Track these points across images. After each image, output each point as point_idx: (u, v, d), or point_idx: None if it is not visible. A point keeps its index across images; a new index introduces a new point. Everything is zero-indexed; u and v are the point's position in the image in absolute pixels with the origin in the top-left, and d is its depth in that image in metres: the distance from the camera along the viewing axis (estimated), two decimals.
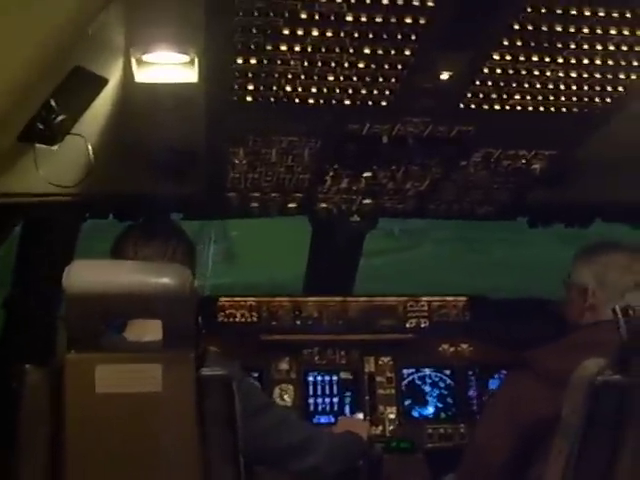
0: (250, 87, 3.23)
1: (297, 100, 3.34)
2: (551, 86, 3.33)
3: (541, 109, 3.51)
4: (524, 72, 3.21)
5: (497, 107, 3.48)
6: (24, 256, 4.49)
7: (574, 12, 2.85)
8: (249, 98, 3.31)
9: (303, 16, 2.79)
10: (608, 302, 3.81)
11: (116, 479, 3.08)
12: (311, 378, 5.22)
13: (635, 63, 3.19)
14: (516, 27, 2.89)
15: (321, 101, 3.35)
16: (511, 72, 3.21)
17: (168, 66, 3.07)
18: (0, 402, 3.22)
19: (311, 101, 3.35)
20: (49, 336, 4.08)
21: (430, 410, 5.27)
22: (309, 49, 2.97)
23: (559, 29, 2.91)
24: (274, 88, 3.25)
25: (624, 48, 3.07)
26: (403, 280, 18.51)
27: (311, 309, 5.25)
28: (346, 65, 3.08)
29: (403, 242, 32.75)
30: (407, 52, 3.01)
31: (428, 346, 5.33)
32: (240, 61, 3.04)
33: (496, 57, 3.09)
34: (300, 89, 3.26)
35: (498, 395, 4.07)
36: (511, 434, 3.66)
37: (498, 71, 3.19)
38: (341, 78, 3.18)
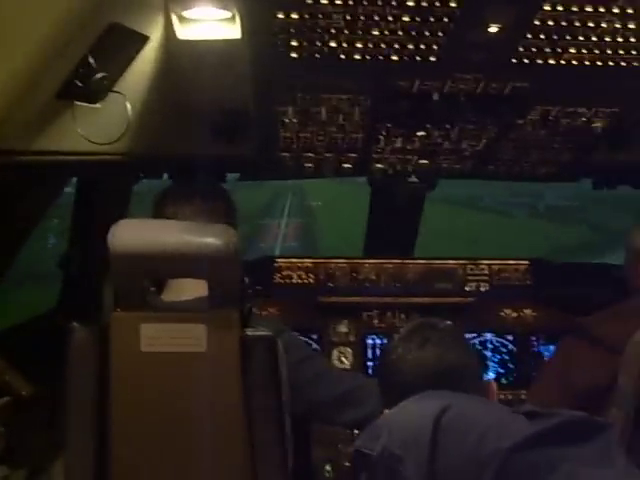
0: (294, 43, 3.18)
1: (342, 56, 3.26)
2: (608, 38, 3.18)
3: (599, 63, 3.36)
4: (578, 24, 3.07)
5: (552, 62, 3.34)
6: (78, 216, 4.54)
7: None
8: (294, 54, 3.25)
9: None
10: None
11: (159, 437, 3.11)
12: (370, 341, 5.16)
13: None
14: None
15: (367, 57, 3.27)
16: (564, 24, 3.07)
17: (210, 22, 3.04)
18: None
19: (357, 57, 3.27)
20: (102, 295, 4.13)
21: (491, 375, 5.14)
22: (350, 2, 2.90)
23: None
24: (318, 43, 3.18)
25: None
26: None
27: (368, 271, 5.20)
28: (390, 19, 3.00)
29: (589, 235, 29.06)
30: (452, 4, 2.91)
31: (490, 311, 5.21)
32: (281, 16, 2.98)
33: (547, 8, 2.96)
34: (345, 44, 3.19)
35: (552, 361, 3.96)
36: (564, 401, 3.56)
37: (550, 23, 3.06)
38: (386, 32, 3.10)
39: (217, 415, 3.10)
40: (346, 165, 4.54)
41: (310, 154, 4.38)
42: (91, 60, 2.68)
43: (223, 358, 3.07)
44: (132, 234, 3.03)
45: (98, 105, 2.87)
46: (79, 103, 2.79)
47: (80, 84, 2.69)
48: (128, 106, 2.93)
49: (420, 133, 4.07)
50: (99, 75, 2.73)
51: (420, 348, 2.79)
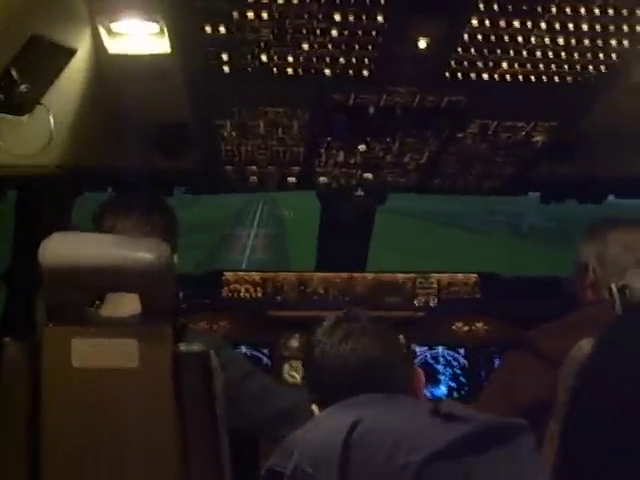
0: (225, 57, 3.17)
1: (275, 70, 3.26)
2: (539, 54, 3.20)
3: (532, 78, 3.38)
4: (507, 39, 3.08)
5: (485, 76, 3.36)
6: (20, 230, 4.50)
7: None
8: (226, 68, 3.24)
9: None
10: (609, 280, 3.69)
11: (91, 453, 3.08)
12: None
13: (626, 29, 3.06)
14: None
15: (300, 70, 3.27)
16: (493, 39, 3.08)
17: (139, 36, 3.03)
18: None
19: (289, 71, 3.26)
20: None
21: (442, 390, 5.15)
22: (277, 16, 2.89)
23: None
24: (249, 57, 3.18)
25: (610, 12, 2.94)
26: None
27: (317, 285, 5.18)
28: (318, 32, 3.00)
29: None
30: (379, 18, 2.91)
31: (441, 324, 5.21)
32: (209, 29, 2.97)
33: (474, 22, 2.97)
34: (276, 58, 3.19)
35: (497, 375, 3.95)
36: (510, 415, 3.56)
37: (479, 38, 3.08)
38: (315, 46, 3.10)
39: (150, 430, 3.08)
40: (290, 179, 4.54)
41: (253, 167, 4.37)
42: (13, 72, 2.65)
43: (155, 373, 3.04)
44: (63, 248, 3.01)
45: (23, 118, 2.84)
46: (2, 115, 2.75)
47: (2, 96, 2.66)
48: (51, 119, 2.90)
49: (361, 146, 4.06)
50: (22, 87, 2.70)
51: (341, 343, 2.76)
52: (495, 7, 2.87)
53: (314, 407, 2.86)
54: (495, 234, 37.86)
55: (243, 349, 5.00)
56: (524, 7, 2.87)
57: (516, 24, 2.99)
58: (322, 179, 4.56)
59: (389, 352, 2.78)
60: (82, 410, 3.07)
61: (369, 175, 4.47)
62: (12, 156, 2.81)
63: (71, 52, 2.92)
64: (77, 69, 3.05)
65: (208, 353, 3.09)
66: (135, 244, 3.06)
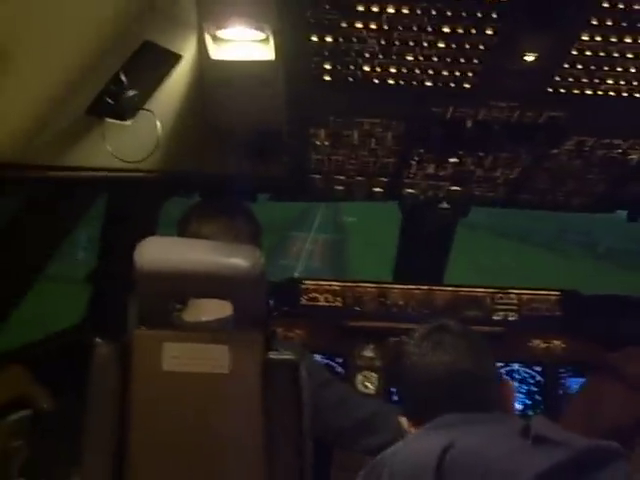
0: (328, 66, 3.17)
1: (376, 80, 3.25)
2: None
3: (637, 95, 3.31)
4: (616, 55, 3.02)
5: (589, 92, 3.30)
6: (108, 232, 4.55)
7: None
8: (327, 77, 3.24)
9: None
10: None
11: (178, 457, 3.08)
12: None
13: None
14: (605, 5, 2.71)
15: (401, 82, 3.25)
16: (602, 54, 3.02)
17: (244, 43, 3.03)
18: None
19: (391, 82, 3.25)
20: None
21: (517, 407, 5.06)
22: (385, 27, 2.87)
23: None
24: (352, 67, 3.17)
25: None
26: None
27: (396, 296, 5.14)
28: (425, 45, 2.97)
29: None
30: (489, 32, 2.87)
31: (518, 340, 5.12)
32: (315, 39, 2.97)
33: (585, 38, 2.92)
34: (379, 69, 3.17)
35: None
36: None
37: (588, 53, 3.02)
38: (421, 58, 3.07)
39: (237, 437, 3.07)
40: (377, 189, 4.52)
41: (341, 177, 4.37)
42: (123, 77, 2.66)
43: (245, 380, 3.03)
44: (159, 252, 3.01)
45: (128, 122, 2.86)
46: (109, 120, 2.77)
47: (110, 101, 2.68)
48: (158, 124, 2.92)
49: (453, 160, 4.03)
50: (130, 92, 2.71)
51: (432, 354, 2.74)
52: (608, 22, 2.81)
53: (403, 419, 2.82)
54: (567, 252, 36.97)
55: (317, 357, 4.99)
56: (639, 24, 2.81)
57: (627, 40, 2.92)
58: (409, 190, 4.53)
59: (479, 365, 2.74)
60: (170, 414, 3.07)
61: (457, 188, 4.44)
62: (117, 160, 2.83)
63: (177, 58, 2.94)
64: (180, 74, 3.07)
65: (298, 362, 3.08)
66: (231, 251, 3.05)
